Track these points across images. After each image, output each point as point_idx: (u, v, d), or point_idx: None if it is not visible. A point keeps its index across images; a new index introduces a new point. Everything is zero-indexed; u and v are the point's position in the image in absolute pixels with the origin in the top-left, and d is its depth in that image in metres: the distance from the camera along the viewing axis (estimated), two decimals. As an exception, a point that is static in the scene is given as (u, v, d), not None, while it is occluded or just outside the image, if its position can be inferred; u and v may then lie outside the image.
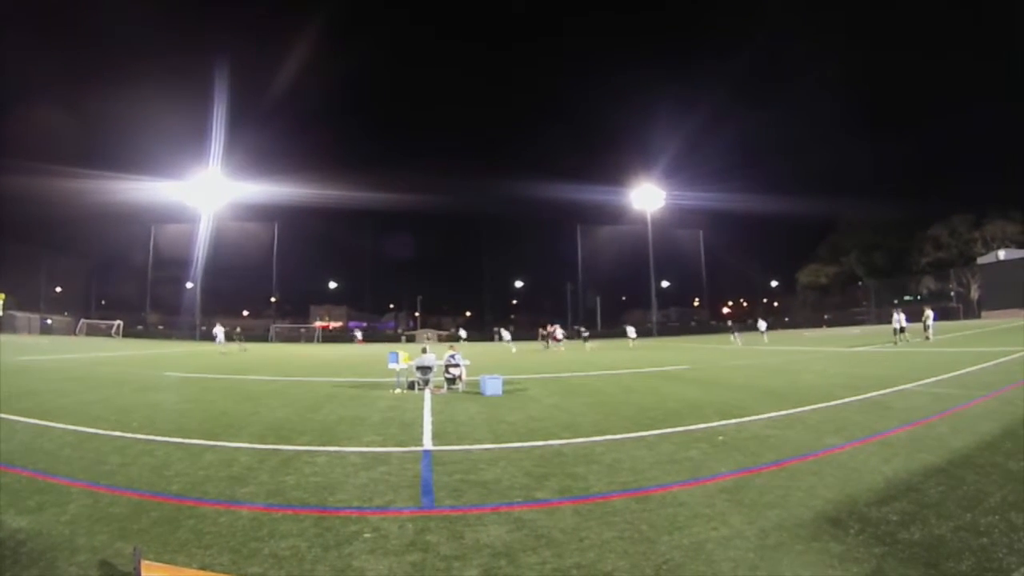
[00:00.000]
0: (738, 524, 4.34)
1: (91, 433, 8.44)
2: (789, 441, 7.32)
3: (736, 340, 41.06)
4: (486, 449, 7.37)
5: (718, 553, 3.85)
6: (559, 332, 41.31)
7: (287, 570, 3.78)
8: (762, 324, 45.10)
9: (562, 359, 26.97)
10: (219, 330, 42.25)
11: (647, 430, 8.27)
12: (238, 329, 33.03)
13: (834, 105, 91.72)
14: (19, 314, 58.78)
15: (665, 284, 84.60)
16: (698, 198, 75.89)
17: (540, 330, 48.56)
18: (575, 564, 3.74)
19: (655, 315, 74.13)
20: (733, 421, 8.79)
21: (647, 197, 73.23)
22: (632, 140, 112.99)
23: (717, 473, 5.87)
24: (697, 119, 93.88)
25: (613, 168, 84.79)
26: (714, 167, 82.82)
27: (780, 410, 9.62)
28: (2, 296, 58.16)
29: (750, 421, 8.79)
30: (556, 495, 5.28)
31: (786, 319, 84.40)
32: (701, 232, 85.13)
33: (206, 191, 66.42)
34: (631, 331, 48.04)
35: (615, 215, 79.76)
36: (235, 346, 25.09)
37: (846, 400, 10.48)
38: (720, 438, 7.61)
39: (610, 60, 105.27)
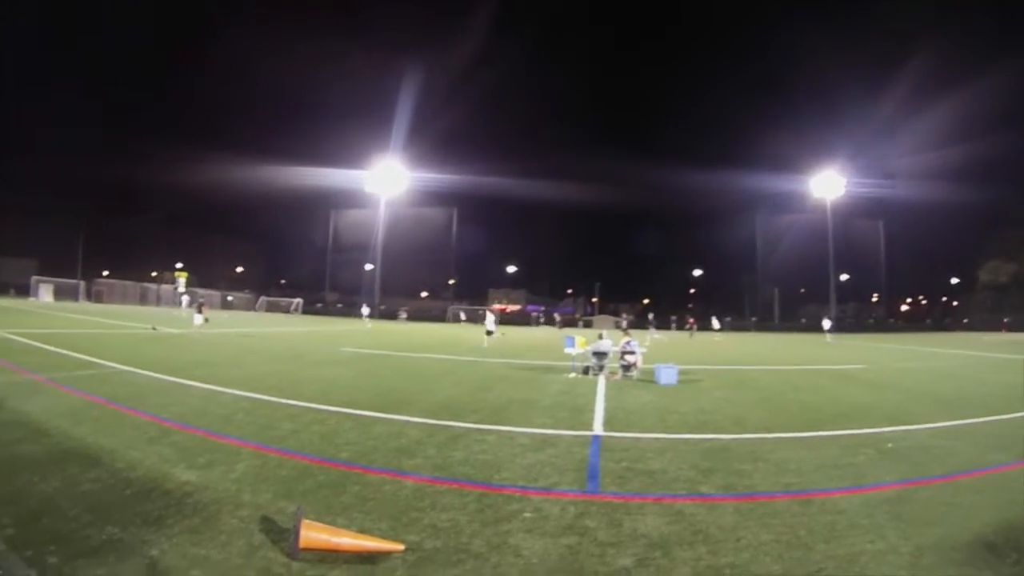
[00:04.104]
0: (895, 539, 4.14)
1: (264, 400, 9.08)
2: (955, 454, 6.88)
3: (829, 338, 40.95)
4: (655, 438, 7.40)
5: (871, 568, 3.71)
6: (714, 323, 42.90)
7: (444, 541, 3.92)
8: (716, 323, 48.14)
9: (734, 350, 26.59)
10: (185, 298, 46.62)
11: (814, 431, 8.07)
12: (200, 300, 33.18)
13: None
14: (200, 291, 63.80)
15: (844, 277, 79.79)
16: (880, 185, 70.58)
17: (688, 319, 51.08)
18: (729, 563, 3.69)
19: (833, 310, 69.87)
20: (901, 428, 8.36)
21: (827, 184, 68.57)
22: (812, 124, 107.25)
23: (880, 482, 5.62)
24: (882, 101, 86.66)
25: (793, 154, 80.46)
26: (898, 151, 76.35)
27: (949, 419, 9.03)
28: (186, 275, 63.41)
29: (918, 429, 8.34)
30: (719, 491, 5.25)
31: (964, 320, 78.09)
32: (881, 223, 79.61)
33: (386, 178, 69.98)
34: (827, 324, 47.12)
35: (794, 203, 75.82)
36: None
37: (1019, 414, 9.67)
38: (888, 445, 7.26)
39: (790, 39, 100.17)
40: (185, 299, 54.65)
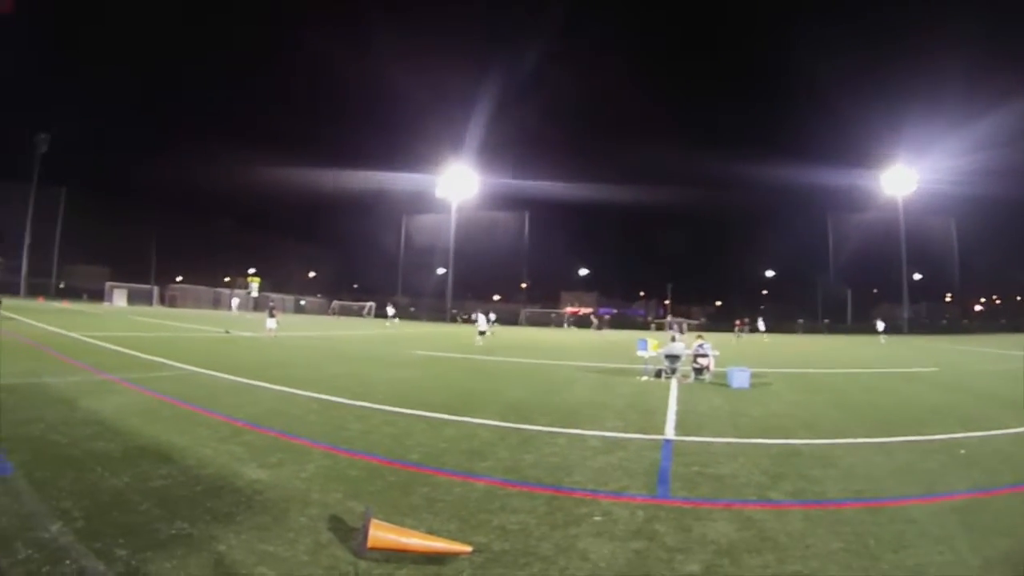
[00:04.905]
0: (964, 550, 4.04)
1: (335, 402, 9.30)
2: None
3: (883, 339, 41.84)
4: (726, 443, 7.40)
5: (937, 580, 3.63)
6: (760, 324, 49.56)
7: (512, 543, 3.95)
8: (761, 324, 49.64)
9: (802, 353, 26.70)
10: (235, 300, 46.89)
11: (887, 436, 7.98)
12: (272, 304, 32.47)
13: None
14: (273, 295, 65.22)
15: (917, 277, 77.28)
16: (952, 181, 67.86)
17: (736, 322, 51.89)
18: (796, 572, 3.65)
19: (906, 311, 67.74)
20: (976, 434, 8.15)
21: (898, 181, 66.73)
22: (883, 118, 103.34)
23: (953, 490, 5.51)
24: (956, 93, 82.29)
25: (865, 150, 77.85)
26: (971, 146, 72.40)
27: (1024, 426, 8.73)
28: (258, 279, 65.03)
29: (994, 435, 8.10)
30: (789, 497, 5.21)
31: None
32: (954, 220, 76.65)
33: (458, 183, 71.28)
34: (880, 325, 46.94)
35: (866, 200, 73.61)
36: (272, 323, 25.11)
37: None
38: (962, 451, 7.10)
39: (859, 31, 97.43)
40: (235, 301, 55.85)
